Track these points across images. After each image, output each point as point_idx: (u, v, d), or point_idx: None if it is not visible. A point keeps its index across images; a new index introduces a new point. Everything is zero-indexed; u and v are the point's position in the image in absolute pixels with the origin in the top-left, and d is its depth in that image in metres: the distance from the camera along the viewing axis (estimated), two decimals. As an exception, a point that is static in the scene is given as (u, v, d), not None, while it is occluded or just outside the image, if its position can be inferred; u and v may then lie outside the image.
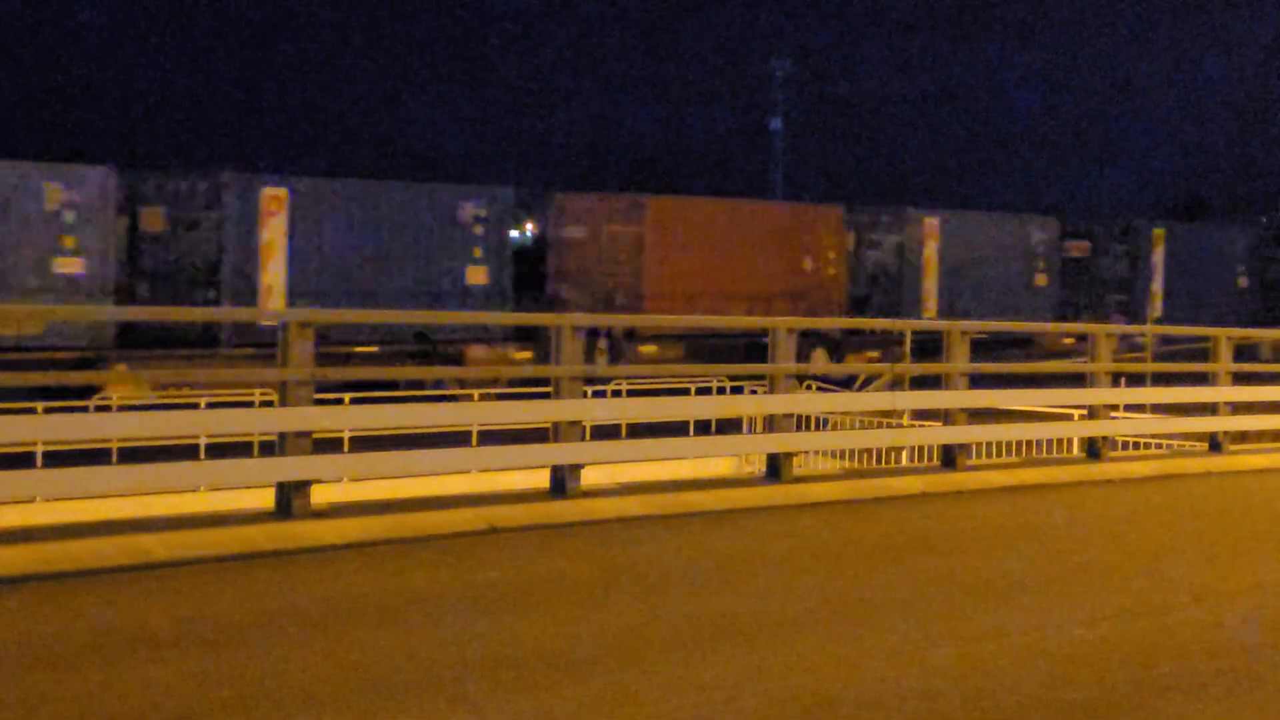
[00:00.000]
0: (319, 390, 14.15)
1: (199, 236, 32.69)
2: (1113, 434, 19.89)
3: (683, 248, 38.66)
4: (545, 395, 14.50)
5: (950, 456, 17.37)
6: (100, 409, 22.16)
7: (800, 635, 9.56)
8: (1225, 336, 20.82)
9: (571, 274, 38.67)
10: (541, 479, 14.38)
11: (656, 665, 8.70)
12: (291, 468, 12.50)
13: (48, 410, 18.38)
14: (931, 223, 43.73)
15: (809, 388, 24.62)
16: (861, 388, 28.80)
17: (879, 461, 21.05)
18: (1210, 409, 20.44)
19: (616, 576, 11.56)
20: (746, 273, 39.29)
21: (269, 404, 19.02)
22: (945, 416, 17.38)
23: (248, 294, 32.55)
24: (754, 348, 33.03)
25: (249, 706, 7.73)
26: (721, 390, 26.44)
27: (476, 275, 35.10)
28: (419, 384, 29.07)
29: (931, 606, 10.53)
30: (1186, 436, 21.85)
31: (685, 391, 26.32)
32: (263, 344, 30.30)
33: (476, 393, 24.13)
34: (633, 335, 36.27)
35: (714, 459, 21.78)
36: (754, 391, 23.46)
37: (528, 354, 33.86)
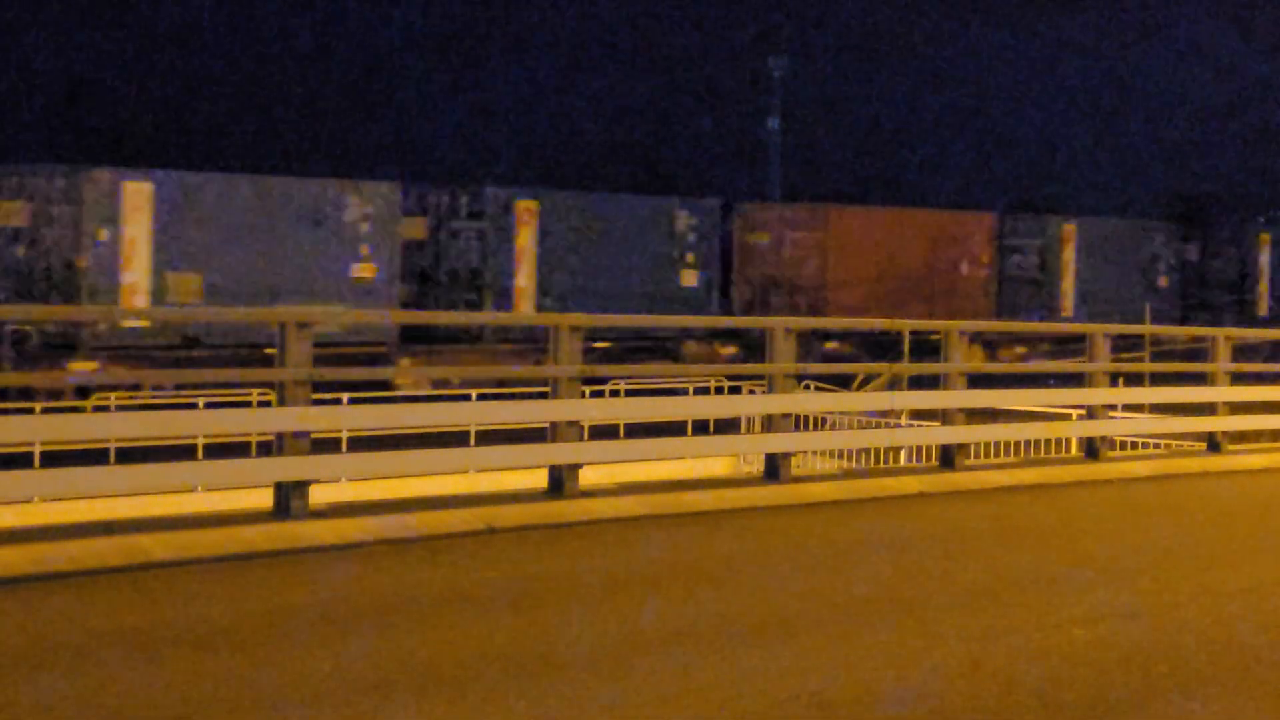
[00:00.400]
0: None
1: (460, 244, 36.42)
2: (1111, 434, 19.89)
3: (859, 253, 42.12)
4: (544, 395, 14.50)
5: (948, 456, 17.37)
6: (99, 409, 22.15)
7: (798, 635, 9.55)
8: (1224, 336, 20.84)
9: (757, 278, 42.37)
10: (539, 479, 14.38)
11: (654, 666, 8.69)
12: (290, 468, 12.48)
13: (45, 410, 18.38)
14: (1070, 229, 47.57)
15: (807, 387, 24.64)
16: (860, 388, 28.85)
17: (877, 461, 21.06)
18: (1209, 409, 20.45)
19: (614, 577, 11.55)
20: (912, 275, 42.87)
21: (267, 404, 19.01)
22: (943, 416, 17.39)
23: (504, 297, 36.37)
24: (919, 346, 35.16)
25: (247, 707, 7.73)
26: (719, 390, 26.48)
27: (689, 279, 38.66)
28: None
29: (930, 606, 10.53)
30: (1185, 436, 21.87)
31: (683, 392, 26.35)
32: (519, 340, 35.20)
33: (475, 392, 24.12)
34: (821, 334, 39.38)
35: (712, 459, 21.80)
36: (752, 391, 23.49)
37: (732, 348, 37.65)
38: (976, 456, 19.46)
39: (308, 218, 33.01)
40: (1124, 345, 41.38)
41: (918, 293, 41.96)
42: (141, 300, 30.57)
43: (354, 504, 13.62)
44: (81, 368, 29.01)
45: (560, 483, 14.06)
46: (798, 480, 15.96)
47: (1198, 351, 22.30)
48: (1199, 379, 20.86)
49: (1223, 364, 20.38)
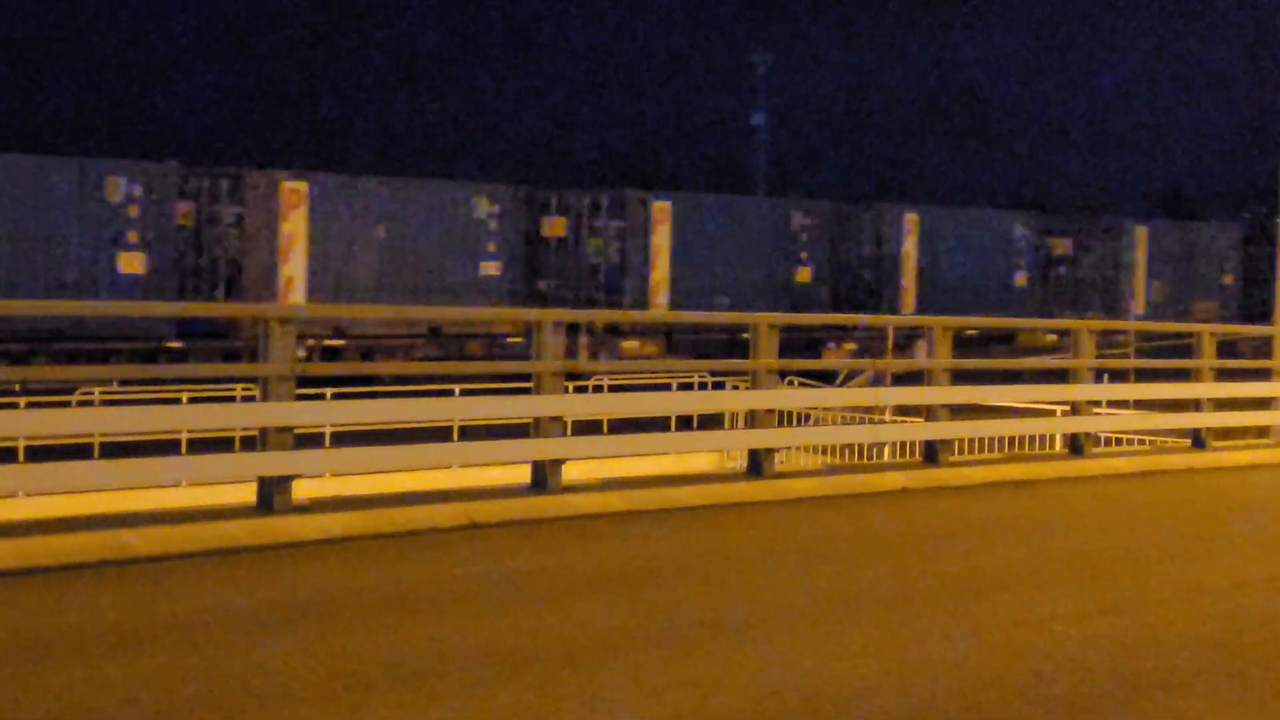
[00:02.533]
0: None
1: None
2: (1095, 430, 19.91)
3: None
4: (527, 390, 14.47)
5: (932, 452, 17.38)
6: (83, 404, 22.09)
7: (781, 631, 9.54)
8: (1209, 332, 20.86)
9: None
10: (523, 474, 14.36)
11: (636, 661, 8.68)
12: (273, 463, 12.47)
13: (30, 405, 18.31)
14: None
15: (791, 383, 24.63)
16: (844, 383, 28.85)
17: (861, 457, 21.06)
18: (1194, 405, 20.47)
19: (597, 572, 11.54)
20: None
21: (251, 399, 18.96)
22: (928, 412, 17.39)
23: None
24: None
25: (229, 702, 7.70)
26: (703, 386, 26.44)
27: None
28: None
29: (913, 602, 10.53)
30: (1169, 433, 21.89)
31: (667, 387, 26.31)
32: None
33: (458, 388, 24.07)
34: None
35: (695, 454, 21.76)
36: (736, 387, 23.47)
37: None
38: (960, 452, 19.47)
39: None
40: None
41: None
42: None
43: (337, 499, 13.60)
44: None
45: (543, 478, 14.05)
46: (781, 476, 15.95)
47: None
48: (1183, 375, 20.89)
49: (1208, 360, 20.41)
